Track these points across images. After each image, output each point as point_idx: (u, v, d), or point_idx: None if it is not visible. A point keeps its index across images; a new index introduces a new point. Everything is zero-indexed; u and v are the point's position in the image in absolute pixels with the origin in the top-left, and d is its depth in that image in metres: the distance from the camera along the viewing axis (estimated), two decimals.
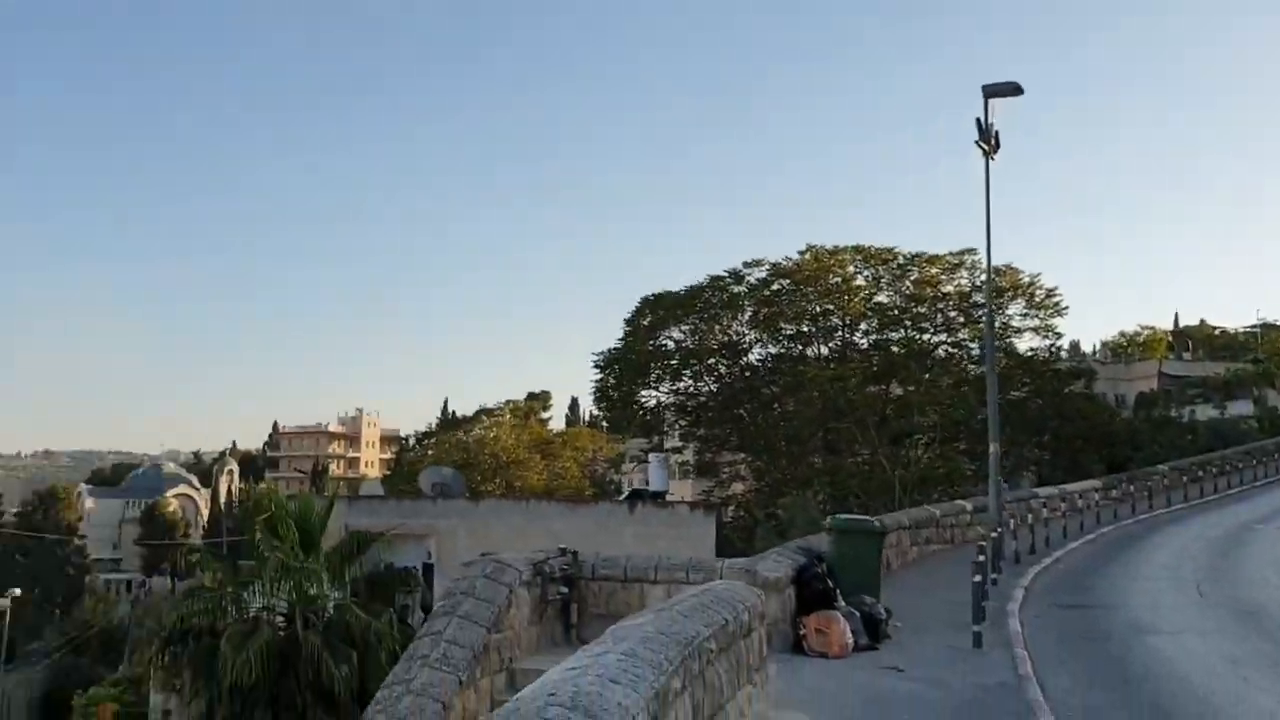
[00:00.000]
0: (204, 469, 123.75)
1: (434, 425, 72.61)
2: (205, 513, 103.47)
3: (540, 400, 66.77)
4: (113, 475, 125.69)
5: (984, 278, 28.52)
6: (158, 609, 43.29)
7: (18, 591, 39.30)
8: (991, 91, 18.73)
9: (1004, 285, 35.07)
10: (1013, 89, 18.74)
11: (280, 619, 18.43)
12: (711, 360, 37.78)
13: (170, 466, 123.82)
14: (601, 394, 40.03)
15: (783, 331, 37.61)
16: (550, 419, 69.34)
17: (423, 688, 7.98)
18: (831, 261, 36.81)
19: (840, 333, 38.02)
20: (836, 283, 36.69)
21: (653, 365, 37.86)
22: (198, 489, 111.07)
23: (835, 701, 9.45)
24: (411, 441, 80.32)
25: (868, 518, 15.34)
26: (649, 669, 5.09)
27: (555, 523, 23.58)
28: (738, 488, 38.86)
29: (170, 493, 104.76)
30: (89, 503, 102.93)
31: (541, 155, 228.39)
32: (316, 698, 17.04)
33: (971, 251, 35.41)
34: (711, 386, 38.55)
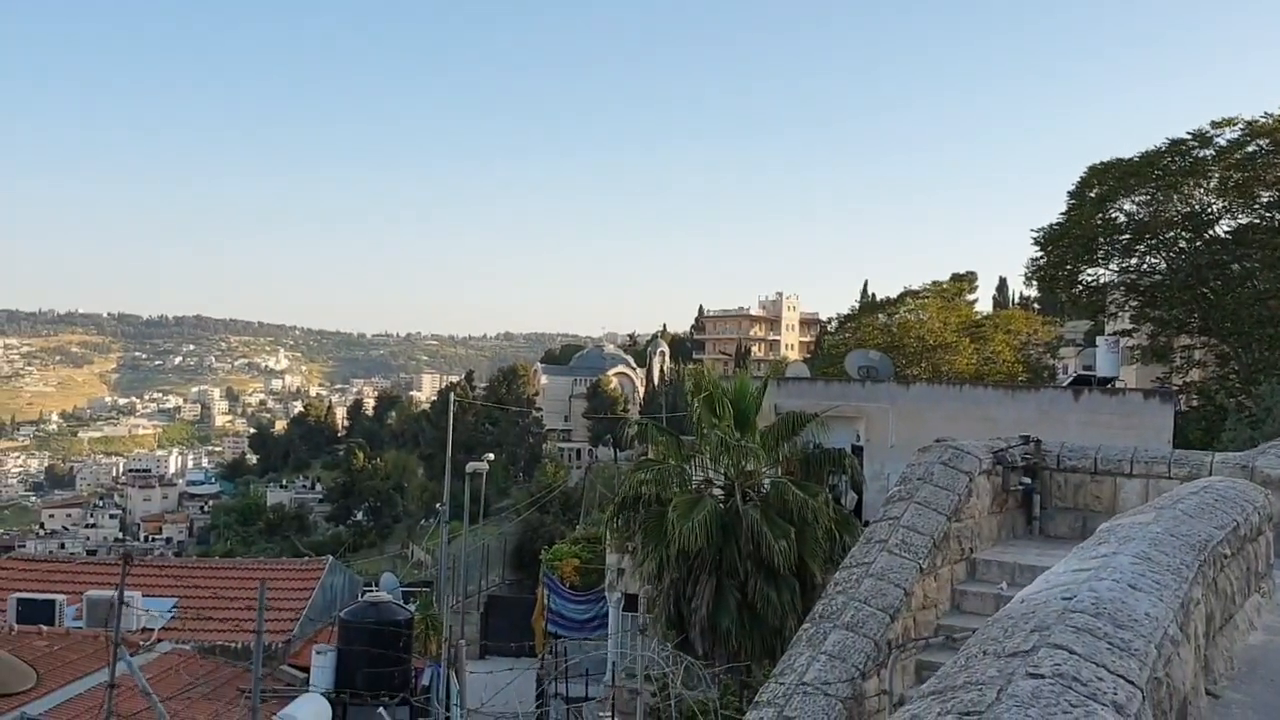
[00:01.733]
0: (638, 350, 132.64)
1: (854, 308, 72.01)
2: (641, 390, 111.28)
3: (966, 281, 63.51)
4: (561, 355, 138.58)
5: None
6: (607, 474, 47.41)
7: (490, 456, 44.27)
8: None
9: None
10: None
11: (719, 492, 19.25)
12: (1170, 234, 33.85)
13: (609, 347, 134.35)
14: (1039, 273, 37.33)
15: (1259, 199, 32.82)
16: (976, 300, 66.05)
17: (882, 572, 7.82)
18: None
19: None
20: None
21: (1100, 240, 34.60)
22: (633, 368, 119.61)
23: None
24: (832, 324, 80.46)
25: None
26: (1169, 575, 4.51)
27: (991, 409, 22.49)
28: (1194, 375, 34.99)
29: (610, 371, 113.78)
30: (543, 379, 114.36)
31: (973, 38, 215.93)
32: (757, 567, 17.69)
33: None
34: (1167, 263, 34.65)
